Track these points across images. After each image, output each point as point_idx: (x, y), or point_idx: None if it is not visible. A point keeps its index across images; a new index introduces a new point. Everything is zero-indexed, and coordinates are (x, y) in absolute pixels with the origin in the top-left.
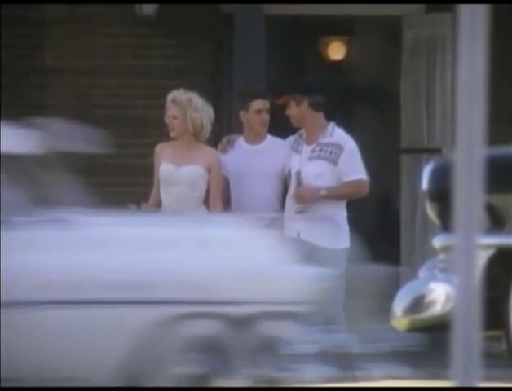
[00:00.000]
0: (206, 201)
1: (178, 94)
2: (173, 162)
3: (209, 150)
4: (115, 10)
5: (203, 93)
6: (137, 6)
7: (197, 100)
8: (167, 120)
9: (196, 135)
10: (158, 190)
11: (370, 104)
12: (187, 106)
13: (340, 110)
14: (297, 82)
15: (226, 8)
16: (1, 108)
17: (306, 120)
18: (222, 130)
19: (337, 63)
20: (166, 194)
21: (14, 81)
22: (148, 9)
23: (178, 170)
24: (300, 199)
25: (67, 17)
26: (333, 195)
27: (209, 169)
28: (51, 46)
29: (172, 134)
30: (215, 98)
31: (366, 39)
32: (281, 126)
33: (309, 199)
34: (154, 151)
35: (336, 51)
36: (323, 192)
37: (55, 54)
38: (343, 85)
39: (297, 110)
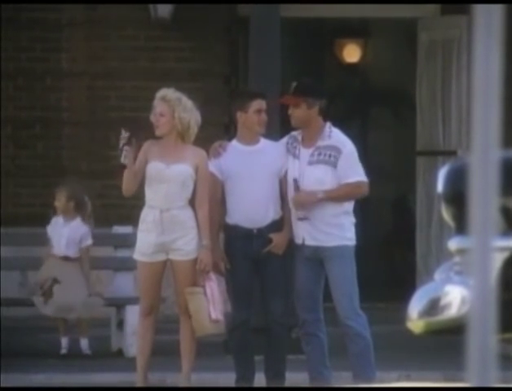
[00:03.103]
0: (191, 201)
1: (168, 92)
2: (162, 160)
3: (196, 150)
4: (130, 13)
5: (218, 95)
6: (152, 8)
7: (186, 101)
8: (153, 118)
9: (183, 135)
10: (136, 179)
11: (386, 106)
12: (176, 104)
13: (355, 112)
14: (314, 85)
15: (241, 11)
16: (18, 110)
17: (311, 123)
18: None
19: (352, 66)
20: (154, 192)
21: (30, 83)
22: (164, 12)
23: (167, 168)
24: (298, 204)
25: (83, 20)
26: (331, 197)
27: (196, 169)
28: (67, 48)
29: (157, 132)
30: (230, 100)
31: (381, 41)
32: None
33: (307, 203)
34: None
35: (351, 54)
36: (320, 195)
37: (70, 56)
38: (358, 87)
39: (306, 113)
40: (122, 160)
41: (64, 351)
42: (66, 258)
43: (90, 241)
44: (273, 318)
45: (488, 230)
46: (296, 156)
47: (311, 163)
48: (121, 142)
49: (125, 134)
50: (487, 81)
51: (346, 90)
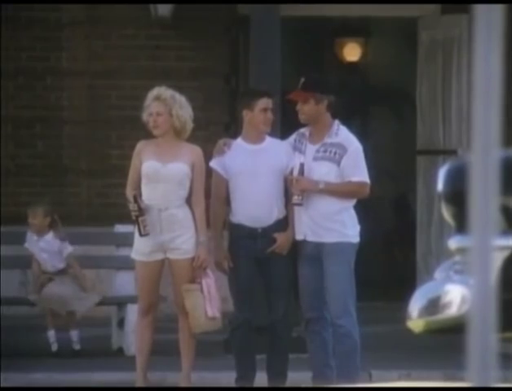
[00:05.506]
0: (188, 199)
1: (161, 91)
2: (157, 159)
3: (191, 147)
4: (131, 11)
5: (218, 94)
6: (152, 7)
7: (180, 97)
8: (148, 117)
9: (180, 132)
10: (137, 187)
11: (386, 106)
12: (172, 103)
13: (356, 111)
14: (322, 81)
15: (242, 9)
16: (19, 109)
17: (319, 119)
18: (237, 131)
19: (352, 65)
20: (151, 191)
21: (30, 83)
22: (164, 10)
23: (164, 167)
24: (298, 187)
25: (83, 19)
26: (331, 191)
27: (192, 167)
28: (68, 47)
29: (156, 132)
30: (230, 99)
31: (382, 40)
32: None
33: (307, 188)
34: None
35: (352, 53)
36: (321, 185)
37: (71, 55)
38: (359, 86)
39: (315, 108)
40: (143, 232)
41: (54, 347)
42: (59, 271)
43: (70, 248)
44: (276, 318)
45: (488, 229)
46: (302, 152)
47: (316, 159)
48: (133, 214)
49: (134, 207)
50: (488, 81)
51: (346, 88)
